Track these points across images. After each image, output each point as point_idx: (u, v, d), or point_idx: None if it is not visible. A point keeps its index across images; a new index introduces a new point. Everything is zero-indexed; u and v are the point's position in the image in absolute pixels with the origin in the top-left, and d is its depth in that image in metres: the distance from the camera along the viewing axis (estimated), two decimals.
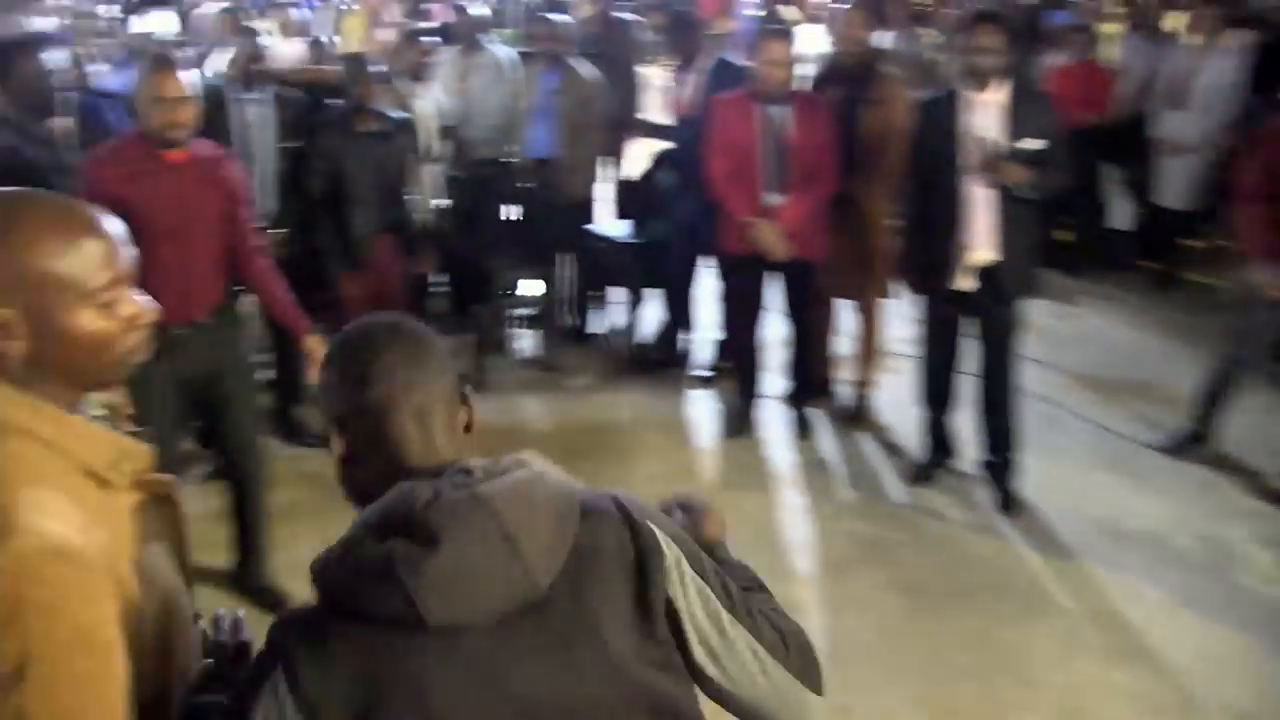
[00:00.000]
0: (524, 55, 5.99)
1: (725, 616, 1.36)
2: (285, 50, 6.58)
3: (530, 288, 5.90)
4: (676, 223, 5.41)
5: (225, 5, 6.31)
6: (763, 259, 4.65)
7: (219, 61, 4.96)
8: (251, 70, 4.70)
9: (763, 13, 9.14)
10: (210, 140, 3.55)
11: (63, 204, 1.31)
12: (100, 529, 1.24)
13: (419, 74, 5.64)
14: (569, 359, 5.92)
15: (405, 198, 4.94)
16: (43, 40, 4.19)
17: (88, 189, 3.08)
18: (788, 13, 8.94)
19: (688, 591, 1.34)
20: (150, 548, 1.34)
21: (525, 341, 6.10)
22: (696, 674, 1.36)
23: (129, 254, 1.34)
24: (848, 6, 5.04)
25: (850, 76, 4.83)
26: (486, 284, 5.62)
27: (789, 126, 4.58)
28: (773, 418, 5.21)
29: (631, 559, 1.30)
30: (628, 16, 6.98)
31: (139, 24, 6.26)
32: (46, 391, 1.28)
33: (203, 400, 3.56)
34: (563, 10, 6.58)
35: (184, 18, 6.72)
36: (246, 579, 3.77)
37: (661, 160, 5.76)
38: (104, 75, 5.30)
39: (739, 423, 5.13)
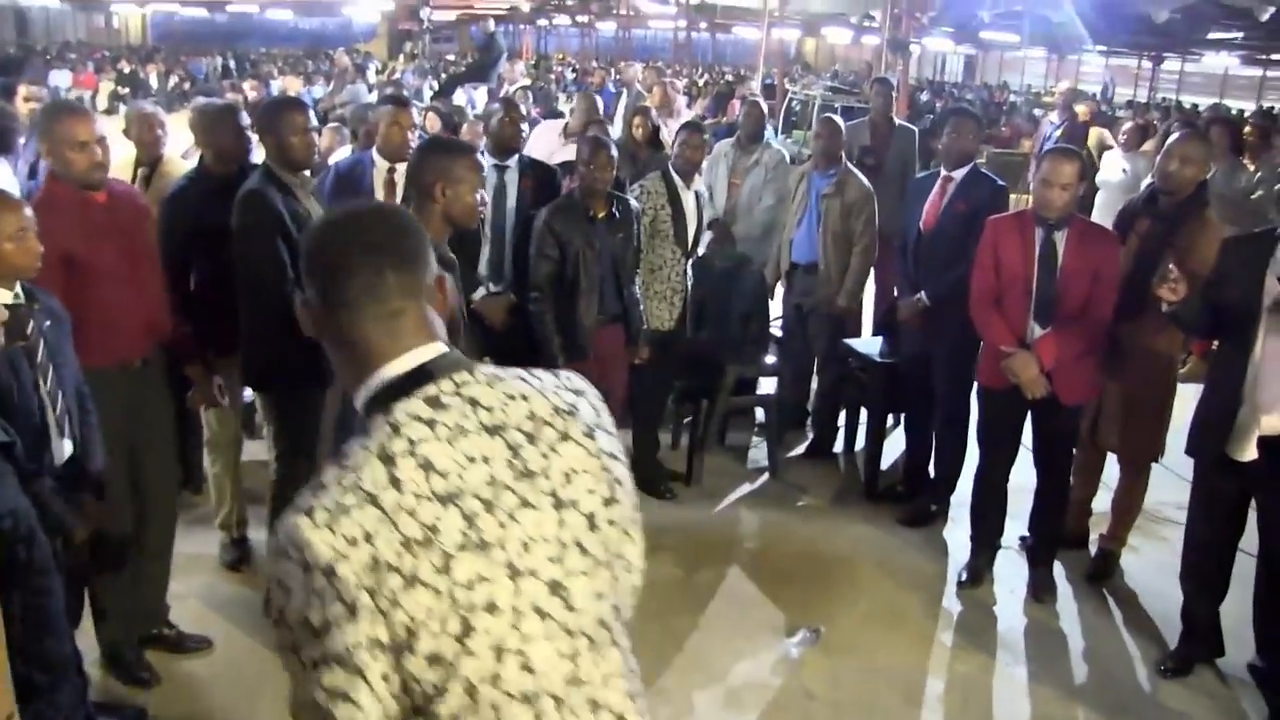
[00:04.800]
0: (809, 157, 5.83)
1: None
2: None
3: (764, 391, 5.63)
4: (931, 344, 4.96)
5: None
6: (1021, 394, 4.18)
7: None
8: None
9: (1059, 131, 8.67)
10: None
11: None
12: None
13: (694, 167, 5.52)
14: (801, 475, 5.57)
15: (631, 287, 4.78)
16: None
17: None
18: None
19: None
20: None
21: (759, 450, 5.81)
22: None
23: None
24: (1181, 135, 4.37)
25: (1164, 215, 4.26)
26: (714, 379, 5.35)
27: (1063, 253, 4.11)
28: (1011, 572, 4.64)
29: None
30: (910, 126, 6.65)
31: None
32: None
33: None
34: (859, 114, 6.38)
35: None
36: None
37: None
38: None
39: (973, 573, 4.58)
